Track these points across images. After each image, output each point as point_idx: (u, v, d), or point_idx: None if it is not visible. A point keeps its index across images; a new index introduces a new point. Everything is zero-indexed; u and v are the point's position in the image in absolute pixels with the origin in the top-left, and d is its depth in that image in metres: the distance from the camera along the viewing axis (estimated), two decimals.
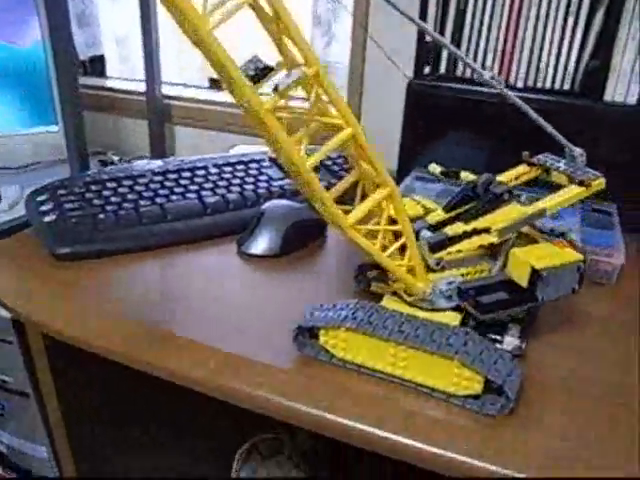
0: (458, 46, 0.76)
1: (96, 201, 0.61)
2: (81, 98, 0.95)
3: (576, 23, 0.69)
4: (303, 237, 0.60)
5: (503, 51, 0.73)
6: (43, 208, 0.59)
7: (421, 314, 0.42)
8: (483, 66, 0.75)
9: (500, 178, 0.47)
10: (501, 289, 0.41)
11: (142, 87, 1.17)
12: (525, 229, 0.45)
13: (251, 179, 0.69)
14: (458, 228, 0.42)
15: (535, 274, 0.39)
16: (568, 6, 0.68)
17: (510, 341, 0.42)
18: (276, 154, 0.34)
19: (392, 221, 0.39)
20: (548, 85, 0.72)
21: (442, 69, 0.78)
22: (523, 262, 0.40)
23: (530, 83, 0.73)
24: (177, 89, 1.25)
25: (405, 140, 0.78)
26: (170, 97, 1.20)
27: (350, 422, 0.37)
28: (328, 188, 0.35)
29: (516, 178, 0.50)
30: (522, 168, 0.50)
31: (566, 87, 0.72)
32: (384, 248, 0.39)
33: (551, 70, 0.72)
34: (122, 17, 1.24)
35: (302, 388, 0.40)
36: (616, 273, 0.55)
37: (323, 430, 0.38)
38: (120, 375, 0.54)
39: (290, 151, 0.32)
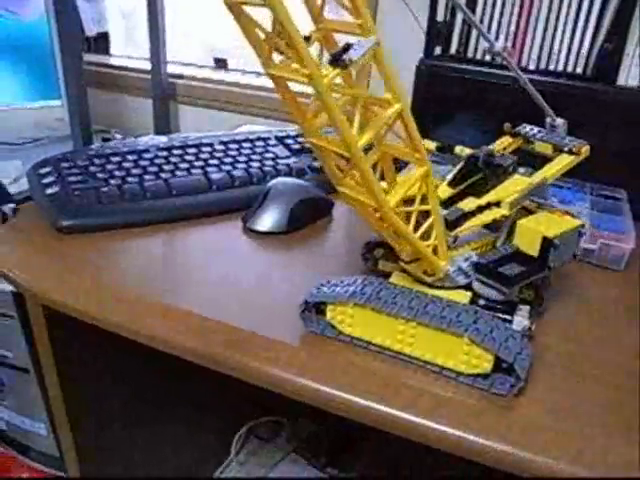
0: (470, 27, 0.75)
1: (100, 175, 0.60)
2: (84, 75, 0.94)
3: (591, 6, 0.68)
4: (310, 214, 0.60)
5: (516, 32, 0.72)
6: (45, 181, 0.58)
7: (430, 292, 0.41)
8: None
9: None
10: (513, 261, 0.41)
11: (147, 65, 1.15)
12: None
13: (257, 157, 0.68)
14: (472, 203, 0.42)
15: (546, 242, 0.39)
16: None
17: (520, 321, 0.41)
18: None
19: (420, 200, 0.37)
20: (560, 68, 0.71)
21: (452, 50, 0.77)
22: (534, 231, 0.40)
23: (542, 66, 0.72)
24: (182, 68, 1.23)
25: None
26: (175, 76, 1.19)
27: (356, 398, 0.36)
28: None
29: (504, 149, 0.50)
30: (506, 139, 0.51)
31: (579, 70, 0.70)
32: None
33: (564, 53, 0.71)
34: None
35: (307, 364, 0.39)
36: (626, 258, 0.55)
37: (327, 407, 0.37)
38: (121, 350, 0.53)
39: (346, 131, 0.30)
